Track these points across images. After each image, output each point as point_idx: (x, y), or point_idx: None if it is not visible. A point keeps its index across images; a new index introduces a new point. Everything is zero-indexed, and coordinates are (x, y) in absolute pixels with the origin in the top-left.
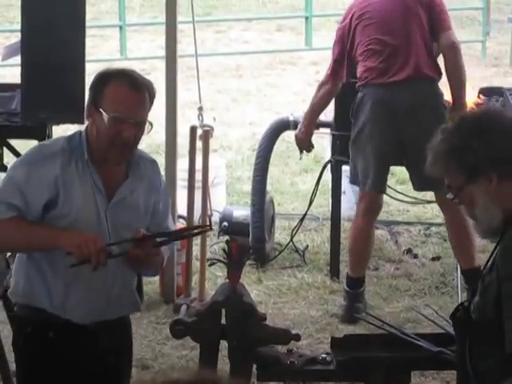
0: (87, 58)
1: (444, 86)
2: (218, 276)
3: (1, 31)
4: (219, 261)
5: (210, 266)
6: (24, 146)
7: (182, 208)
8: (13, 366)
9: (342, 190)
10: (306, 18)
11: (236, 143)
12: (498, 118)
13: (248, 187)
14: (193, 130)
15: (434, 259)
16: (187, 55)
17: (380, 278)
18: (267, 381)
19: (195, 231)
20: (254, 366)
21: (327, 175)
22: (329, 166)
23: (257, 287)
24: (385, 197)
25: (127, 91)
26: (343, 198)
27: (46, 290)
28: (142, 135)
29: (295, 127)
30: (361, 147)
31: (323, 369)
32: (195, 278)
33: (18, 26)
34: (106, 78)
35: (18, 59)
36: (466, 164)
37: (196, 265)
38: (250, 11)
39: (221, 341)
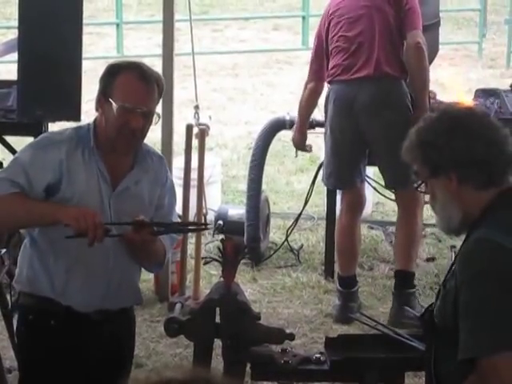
0: (84, 55)
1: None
2: (212, 274)
3: None
4: (214, 259)
5: (204, 264)
6: (20, 142)
7: (177, 206)
8: (6, 363)
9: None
10: (303, 18)
11: (232, 142)
12: (470, 120)
13: (243, 186)
14: (189, 128)
15: (428, 260)
16: (184, 53)
17: (375, 279)
18: (261, 380)
19: (192, 227)
20: (248, 365)
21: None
22: None
23: (251, 286)
24: (380, 197)
25: (136, 81)
26: (338, 197)
27: (47, 276)
28: (149, 126)
29: (291, 126)
30: (326, 145)
31: (317, 368)
32: (190, 277)
33: (15, 23)
34: (115, 69)
35: (14, 56)
36: (429, 160)
37: (191, 263)
38: (247, 10)
39: (215, 339)
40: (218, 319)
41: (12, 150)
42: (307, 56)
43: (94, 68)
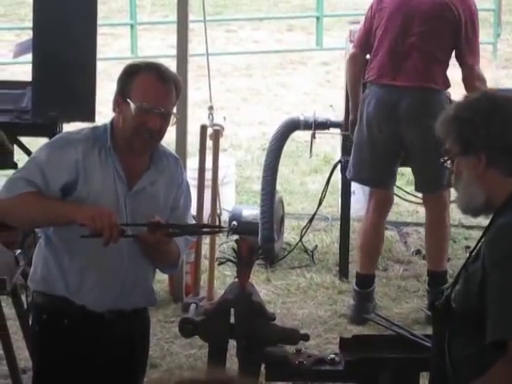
0: (98, 56)
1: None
2: (226, 275)
3: (12, 29)
4: (228, 260)
5: (219, 265)
6: (34, 143)
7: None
8: (21, 363)
9: (352, 190)
10: (317, 18)
11: (246, 142)
12: (508, 106)
13: (257, 187)
14: (203, 129)
15: None
16: (198, 54)
17: (389, 279)
18: (275, 380)
19: (207, 230)
20: (263, 366)
21: (337, 175)
22: (338, 166)
23: (265, 287)
24: (394, 198)
25: (155, 82)
26: (353, 198)
27: (62, 275)
28: (167, 127)
29: (305, 127)
30: (359, 142)
31: (332, 369)
32: (204, 277)
33: (30, 24)
34: (134, 69)
35: (29, 57)
36: (463, 136)
37: (205, 264)
38: (261, 11)
39: (229, 340)
40: (232, 320)
41: (27, 151)
42: (321, 56)
43: (108, 69)
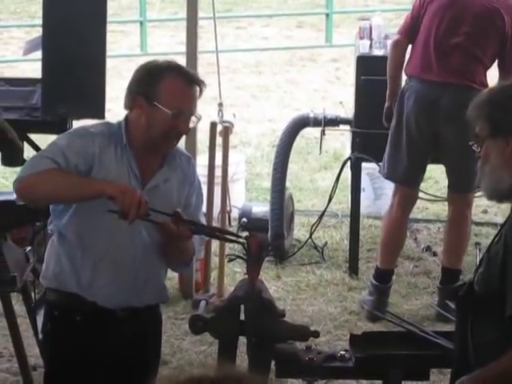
0: (107, 53)
1: None
2: (236, 272)
3: (22, 26)
4: (238, 257)
5: (228, 261)
6: (44, 140)
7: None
8: (31, 360)
9: (362, 187)
10: (327, 15)
11: (255, 139)
12: None
13: (267, 183)
14: (213, 125)
15: None
16: (207, 51)
17: (399, 276)
18: (285, 377)
19: (227, 236)
20: (273, 362)
21: (347, 172)
22: (348, 162)
23: (275, 283)
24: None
25: (185, 87)
26: (363, 195)
27: (74, 271)
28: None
29: (315, 124)
30: (395, 139)
31: (342, 366)
32: (214, 274)
33: (40, 21)
34: (157, 72)
35: (38, 54)
36: (493, 119)
37: (215, 260)
38: (271, 8)
39: (239, 337)
40: (242, 317)
41: (36, 148)
42: (331, 53)
43: (118, 66)
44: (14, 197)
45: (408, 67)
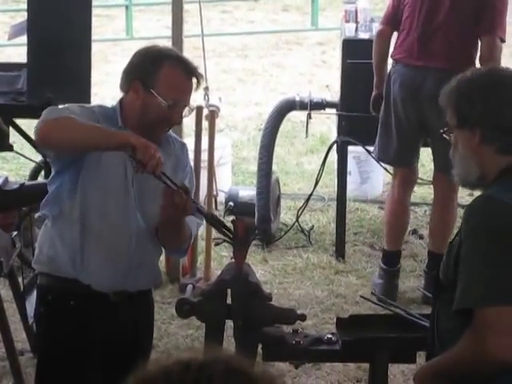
0: (93, 37)
1: None
2: (223, 256)
3: (7, 11)
4: (225, 241)
5: (215, 245)
6: (30, 125)
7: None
8: (18, 345)
9: (348, 170)
10: None
11: (242, 123)
12: (511, 85)
13: (254, 167)
14: (199, 109)
15: None
16: (193, 35)
17: None
18: (272, 360)
19: (220, 227)
20: (260, 346)
21: (333, 156)
22: (334, 146)
23: (262, 267)
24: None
25: (183, 78)
26: (349, 178)
27: (68, 254)
28: None
29: (301, 107)
30: (385, 122)
31: (328, 349)
32: (201, 258)
33: (24, 6)
34: (158, 59)
35: (24, 38)
36: (460, 110)
37: (201, 244)
38: None
39: (226, 320)
40: (229, 300)
41: (22, 133)
42: (316, 37)
43: (103, 50)
44: (0, 181)
45: (394, 52)
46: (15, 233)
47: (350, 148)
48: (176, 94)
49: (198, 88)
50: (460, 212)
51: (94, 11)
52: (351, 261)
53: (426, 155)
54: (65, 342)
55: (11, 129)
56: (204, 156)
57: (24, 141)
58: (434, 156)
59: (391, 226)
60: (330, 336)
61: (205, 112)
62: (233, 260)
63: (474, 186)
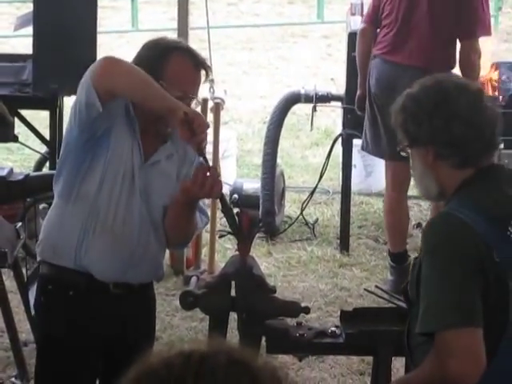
0: (98, 29)
1: None
2: (227, 248)
3: (13, 2)
4: (229, 233)
5: (219, 238)
6: (35, 116)
7: None
8: (22, 336)
9: (353, 163)
10: None
11: (247, 116)
12: (458, 97)
13: (258, 160)
14: (204, 102)
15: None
16: (199, 27)
17: None
18: (276, 353)
19: (233, 225)
20: (263, 339)
21: (338, 149)
22: (339, 139)
23: (266, 260)
24: None
25: (192, 70)
26: (354, 171)
27: (71, 243)
28: None
29: (306, 100)
30: (371, 115)
31: (332, 342)
32: (205, 251)
33: None
34: (166, 50)
35: (29, 30)
36: (408, 130)
37: (206, 237)
38: None
39: (230, 313)
40: (233, 293)
41: (27, 124)
42: (322, 30)
43: (109, 42)
44: (5, 172)
45: (374, 48)
46: (20, 224)
47: (355, 141)
48: (185, 85)
49: (206, 80)
50: None
51: (100, 3)
52: (355, 254)
53: None
54: (63, 332)
55: (16, 120)
56: (209, 148)
57: (29, 132)
58: None
59: (391, 228)
60: (333, 329)
61: (210, 104)
62: (237, 252)
63: (436, 200)
